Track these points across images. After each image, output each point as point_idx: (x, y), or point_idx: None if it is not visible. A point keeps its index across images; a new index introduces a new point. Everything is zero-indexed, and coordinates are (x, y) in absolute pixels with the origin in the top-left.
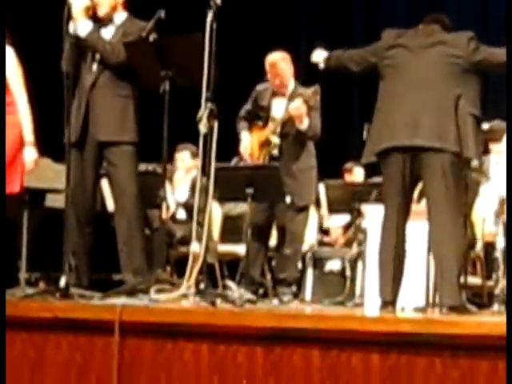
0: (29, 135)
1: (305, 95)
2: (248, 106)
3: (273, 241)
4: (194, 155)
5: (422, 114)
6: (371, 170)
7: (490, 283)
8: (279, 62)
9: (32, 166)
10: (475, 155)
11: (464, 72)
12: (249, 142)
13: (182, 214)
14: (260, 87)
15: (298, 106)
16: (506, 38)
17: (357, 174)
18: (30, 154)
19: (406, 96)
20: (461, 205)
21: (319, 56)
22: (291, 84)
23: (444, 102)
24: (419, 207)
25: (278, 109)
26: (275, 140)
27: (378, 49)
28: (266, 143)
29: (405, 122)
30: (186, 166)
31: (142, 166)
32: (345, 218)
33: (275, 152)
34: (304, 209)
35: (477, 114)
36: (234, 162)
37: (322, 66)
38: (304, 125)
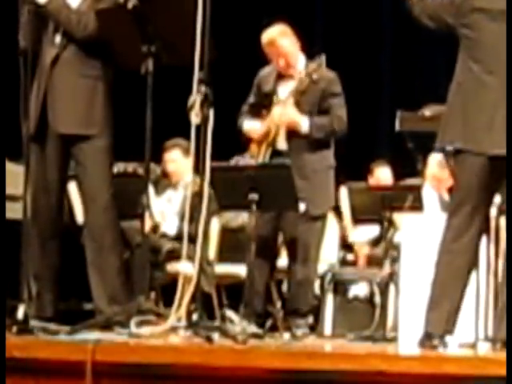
0: None
1: (308, 69)
2: (251, 99)
3: (283, 260)
4: (186, 152)
5: (501, 112)
6: (402, 169)
7: None
8: (278, 38)
9: None
10: None
11: None
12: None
13: (170, 228)
14: (263, 72)
15: (280, 113)
16: (507, 38)
17: (380, 177)
18: None
19: (484, 83)
20: None
21: None
22: (301, 61)
23: None
24: None
25: (286, 93)
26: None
27: (458, 8)
28: (266, 135)
29: (480, 121)
30: (178, 168)
31: (120, 166)
32: (373, 230)
33: (282, 146)
34: (319, 218)
35: None
36: (234, 161)
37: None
38: (303, 127)
